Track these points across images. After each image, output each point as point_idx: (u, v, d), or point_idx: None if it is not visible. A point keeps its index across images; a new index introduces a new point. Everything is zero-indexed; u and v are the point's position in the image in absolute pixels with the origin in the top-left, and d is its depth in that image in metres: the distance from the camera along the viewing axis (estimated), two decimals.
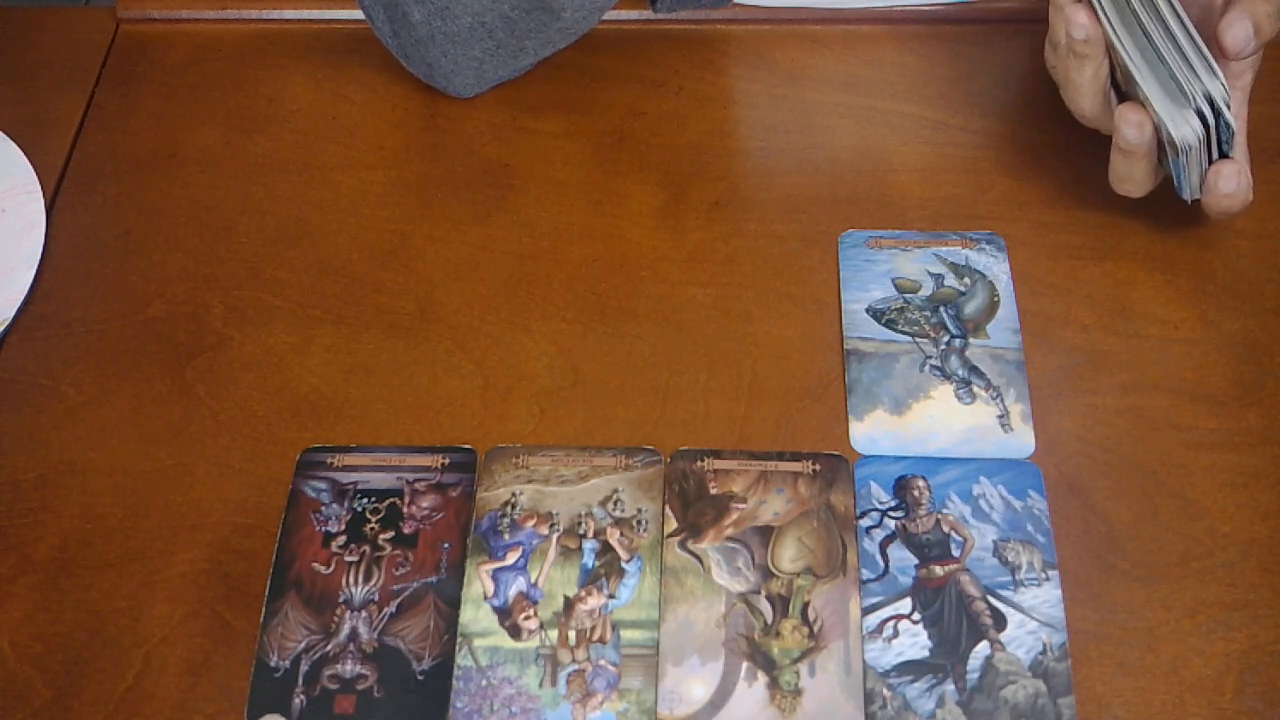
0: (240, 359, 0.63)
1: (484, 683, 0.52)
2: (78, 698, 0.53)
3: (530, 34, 0.68)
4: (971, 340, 0.61)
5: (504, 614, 0.54)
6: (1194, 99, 0.57)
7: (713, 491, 0.57)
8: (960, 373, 0.60)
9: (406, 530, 0.56)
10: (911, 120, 0.71)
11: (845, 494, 0.57)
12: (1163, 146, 0.59)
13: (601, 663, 0.53)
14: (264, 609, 0.54)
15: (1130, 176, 0.61)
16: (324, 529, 0.56)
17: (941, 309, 0.63)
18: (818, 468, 0.58)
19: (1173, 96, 0.58)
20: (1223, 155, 0.59)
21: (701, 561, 0.55)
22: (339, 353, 0.63)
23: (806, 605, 0.54)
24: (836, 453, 0.58)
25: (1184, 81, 0.57)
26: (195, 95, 0.74)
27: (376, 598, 0.55)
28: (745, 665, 0.52)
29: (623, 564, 0.55)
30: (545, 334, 0.63)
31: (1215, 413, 0.59)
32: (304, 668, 0.53)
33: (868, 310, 0.63)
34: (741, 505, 0.57)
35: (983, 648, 0.53)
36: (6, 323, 0.64)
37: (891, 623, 0.53)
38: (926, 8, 0.75)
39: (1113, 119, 0.60)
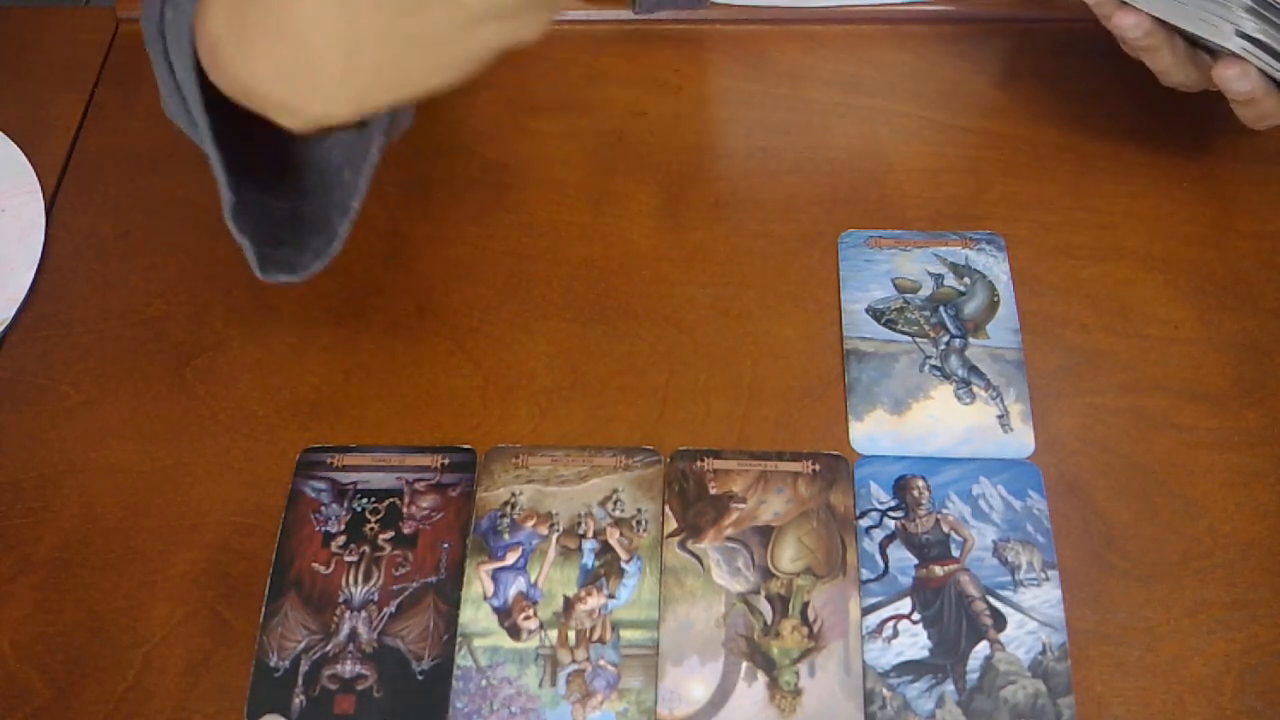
0: (240, 359, 0.62)
1: (484, 683, 0.52)
2: (78, 698, 0.53)
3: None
4: (971, 340, 0.61)
5: (504, 614, 0.54)
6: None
7: (712, 491, 0.57)
8: (960, 373, 0.60)
9: (406, 530, 0.56)
10: (911, 120, 0.71)
11: (845, 494, 0.57)
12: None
13: (601, 663, 0.53)
14: (264, 609, 0.54)
15: (1266, 115, 0.60)
16: (324, 529, 0.56)
17: (941, 309, 0.63)
18: (817, 468, 0.57)
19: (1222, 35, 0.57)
20: None
21: (701, 561, 0.55)
22: (339, 353, 0.63)
23: (806, 605, 0.54)
24: (836, 453, 0.58)
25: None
26: None
27: (376, 598, 0.55)
28: (745, 665, 0.52)
29: (622, 564, 0.55)
30: (545, 334, 0.63)
31: (1215, 413, 0.59)
32: (304, 668, 0.53)
33: (868, 310, 0.63)
34: (741, 505, 0.57)
35: (982, 648, 0.53)
36: (6, 323, 0.64)
37: (891, 623, 0.53)
38: (927, 8, 0.75)
39: (1214, 79, 0.59)
